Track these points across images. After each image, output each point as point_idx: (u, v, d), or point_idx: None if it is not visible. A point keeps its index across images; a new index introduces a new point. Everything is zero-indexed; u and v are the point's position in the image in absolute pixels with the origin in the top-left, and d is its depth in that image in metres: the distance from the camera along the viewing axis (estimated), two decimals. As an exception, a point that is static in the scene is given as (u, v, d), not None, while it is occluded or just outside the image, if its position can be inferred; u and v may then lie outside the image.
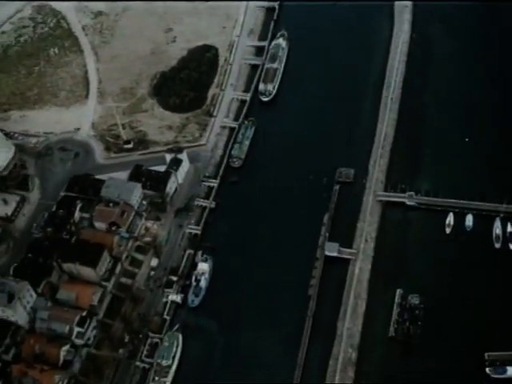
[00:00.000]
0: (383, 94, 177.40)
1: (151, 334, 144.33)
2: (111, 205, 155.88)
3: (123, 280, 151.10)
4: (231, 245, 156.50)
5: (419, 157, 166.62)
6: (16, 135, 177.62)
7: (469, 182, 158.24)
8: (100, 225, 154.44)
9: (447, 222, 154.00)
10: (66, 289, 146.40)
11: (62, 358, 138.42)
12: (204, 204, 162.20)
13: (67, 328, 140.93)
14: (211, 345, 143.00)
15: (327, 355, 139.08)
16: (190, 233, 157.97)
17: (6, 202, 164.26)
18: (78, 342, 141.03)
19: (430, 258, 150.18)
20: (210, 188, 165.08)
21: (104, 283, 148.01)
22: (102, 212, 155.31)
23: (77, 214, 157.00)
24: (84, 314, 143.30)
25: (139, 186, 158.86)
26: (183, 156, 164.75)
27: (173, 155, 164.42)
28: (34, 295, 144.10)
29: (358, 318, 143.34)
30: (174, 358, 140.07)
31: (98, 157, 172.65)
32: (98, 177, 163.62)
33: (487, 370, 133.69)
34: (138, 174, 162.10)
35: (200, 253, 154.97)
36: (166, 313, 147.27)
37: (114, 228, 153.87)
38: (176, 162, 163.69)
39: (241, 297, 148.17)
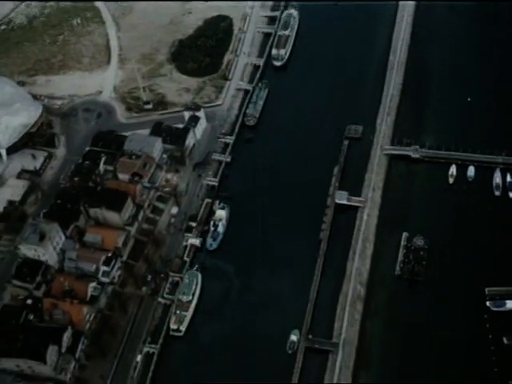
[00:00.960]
0: (390, 59, 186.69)
1: (172, 274, 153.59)
2: (134, 157, 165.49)
3: (145, 226, 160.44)
4: (246, 195, 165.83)
5: (423, 115, 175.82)
6: (42, 98, 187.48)
7: (470, 136, 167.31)
8: (123, 176, 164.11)
9: (450, 172, 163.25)
10: (92, 232, 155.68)
11: (89, 294, 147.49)
12: (220, 158, 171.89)
13: (94, 267, 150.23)
14: (228, 283, 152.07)
15: (337, 291, 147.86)
16: (208, 184, 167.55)
17: (34, 157, 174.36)
18: (104, 279, 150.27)
19: (433, 205, 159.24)
20: (226, 144, 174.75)
21: (127, 228, 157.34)
22: (125, 164, 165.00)
23: (101, 167, 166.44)
24: (109, 254, 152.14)
25: (160, 140, 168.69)
26: (201, 114, 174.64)
27: (191, 113, 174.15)
28: (63, 237, 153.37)
29: (366, 258, 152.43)
30: (193, 294, 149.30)
31: (120, 116, 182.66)
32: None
33: (487, 303, 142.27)
34: (159, 130, 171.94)
35: (217, 202, 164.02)
36: (185, 255, 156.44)
37: (136, 179, 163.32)
38: (194, 119, 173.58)
39: (256, 241, 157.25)
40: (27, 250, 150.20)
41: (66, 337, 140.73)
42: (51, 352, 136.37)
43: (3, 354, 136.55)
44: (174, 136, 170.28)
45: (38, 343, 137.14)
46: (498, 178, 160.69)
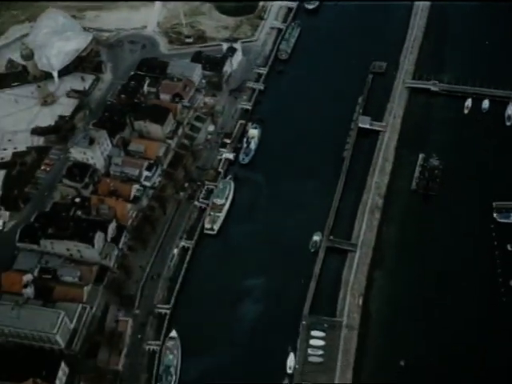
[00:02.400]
0: (414, 5, 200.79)
1: (207, 182, 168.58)
2: (175, 80, 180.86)
3: (184, 141, 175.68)
4: (277, 118, 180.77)
5: (443, 55, 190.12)
6: (91, 30, 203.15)
7: (486, 73, 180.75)
8: (165, 96, 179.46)
9: (466, 105, 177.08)
10: (136, 143, 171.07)
11: (132, 194, 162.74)
12: (254, 86, 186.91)
13: (137, 172, 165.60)
14: (258, 191, 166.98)
15: (357, 201, 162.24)
16: (242, 108, 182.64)
17: (83, 79, 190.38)
18: (146, 183, 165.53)
19: (449, 132, 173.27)
20: (260, 74, 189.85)
21: (168, 141, 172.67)
22: (167, 85, 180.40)
23: (145, 88, 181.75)
24: (151, 162, 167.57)
25: (200, 66, 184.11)
26: (237, 46, 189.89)
27: (229, 44, 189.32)
28: (110, 145, 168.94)
29: (385, 175, 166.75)
30: (226, 198, 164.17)
31: (163, 48, 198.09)
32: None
33: (494, 215, 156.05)
34: (199, 58, 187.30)
35: (250, 123, 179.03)
36: (220, 167, 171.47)
37: (177, 99, 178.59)
38: (231, 50, 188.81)
39: (284, 157, 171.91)
40: (77, 154, 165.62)
41: (111, 228, 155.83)
42: (98, 238, 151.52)
43: (56, 237, 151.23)
44: (212, 63, 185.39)
45: (86, 230, 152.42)
46: (510, 110, 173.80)
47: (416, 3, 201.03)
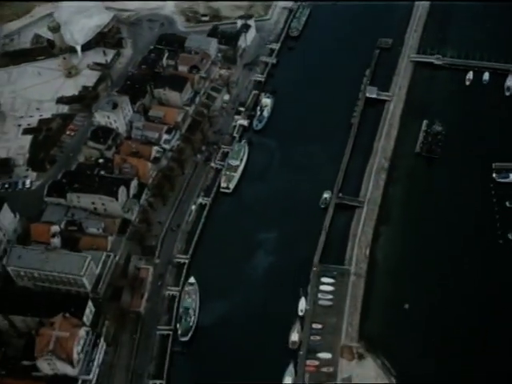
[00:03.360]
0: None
1: (223, 146, 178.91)
2: (192, 53, 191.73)
3: (201, 109, 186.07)
4: (289, 90, 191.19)
5: (446, 32, 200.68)
6: (112, 9, 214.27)
7: (486, 49, 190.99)
8: (183, 68, 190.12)
9: (467, 77, 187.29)
10: (156, 109, 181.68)
11: (152, 155, 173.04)
12: (267, 60, 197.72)
13: (157, 135, 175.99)
14: (271, 154, 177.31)
15: (365, 163, 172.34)
16: (256, 80, 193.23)
17: (105, 53, 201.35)
18: (165, 146, 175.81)
19: (451, 101, 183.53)
20: (272, 50, 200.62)
21: (186, 108, 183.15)
22: (185, 58, 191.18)
23: (164, 60, 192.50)
24: (170, 126, 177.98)
25: (215, 40, 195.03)
26: (251, 22, 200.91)
27: (243, 21, 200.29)
28: (131, 111, 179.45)
29: (391, 139, 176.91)
30: (241, 160, 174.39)
31: (180, 26, 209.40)
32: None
33: (494, 175, 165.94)
34: (215, 33, 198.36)
35: (263, 93, 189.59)
36: (235, 132, 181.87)
37: (194, 71, 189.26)
38: (246, 27, 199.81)
39: (295, 124, 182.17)
40: (101, 118, 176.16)
41: (133, 185, 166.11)
42: (121, 192, 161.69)
43: (82, 190, 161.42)
44: (227, 38, 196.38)
45: (110, 185, 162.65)
46: (509, 82, 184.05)
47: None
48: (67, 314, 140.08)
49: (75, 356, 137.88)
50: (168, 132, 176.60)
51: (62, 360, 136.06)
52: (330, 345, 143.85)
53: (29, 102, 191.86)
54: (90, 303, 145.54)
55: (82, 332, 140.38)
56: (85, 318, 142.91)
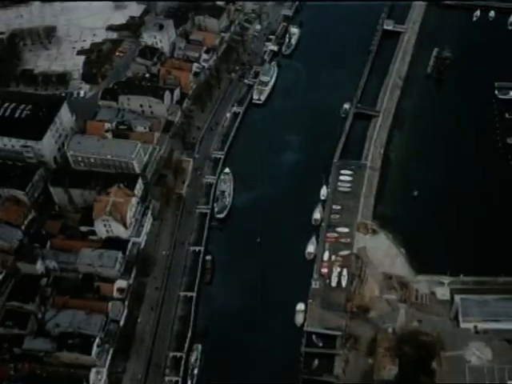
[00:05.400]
0: None
1: (255, 66, 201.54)
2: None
3: (235, 36, 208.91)
4: (314, 24, 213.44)
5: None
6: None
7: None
8: (220, 2, 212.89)
9: (475, 14, 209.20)
10: (196, 34, 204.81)
11: (193, 70, 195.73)
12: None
13: (197, 54, 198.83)
14: (298, 75, 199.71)
15: (381, 81, 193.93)
16: (285, 14, 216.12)
17: None
18: (204, 64, 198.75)
19: (460, 34, 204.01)
20: None
21: (222, 34, 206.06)
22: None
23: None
24: (209, 47, 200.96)
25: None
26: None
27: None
28: (175, 34, 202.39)
29: (405, 63, 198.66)
30: (271, 77, 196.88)
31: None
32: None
33: (496, 92, 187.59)
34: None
35: (291, 25, 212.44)
36: (265, 56, 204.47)
37: (230, 3, 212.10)
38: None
39: (320, 51, 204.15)
40: (148, 38, 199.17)
41: (176, 93, 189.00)
42: (166, 96, 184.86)
43: (133, 93, 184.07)
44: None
45: (157, 89, 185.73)
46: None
47: None
48: (121, 185, 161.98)
49: (128, 219, 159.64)
50: (207, 52, 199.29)
51: (117, 221, 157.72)
52: (348, 222, 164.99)
53: (82, 29, 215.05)
54: (139, 180, 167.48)
55: (134, 201, 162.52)
56: (136, 192, 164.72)
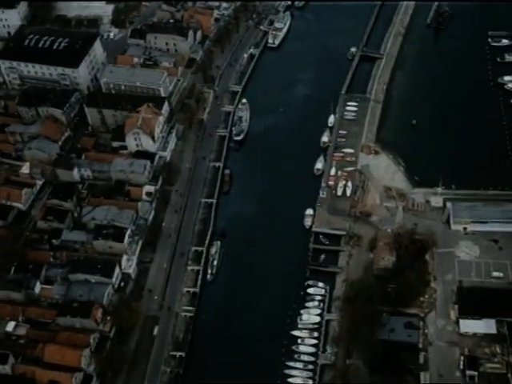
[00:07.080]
0: None
1: (270, 16, 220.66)
2: None
3: None
4: None
5: None
6: None
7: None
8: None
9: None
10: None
11: (214, 15, 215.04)
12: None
13: (217, 3, 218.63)
14: (309, 24, 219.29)
15: (385, 30, 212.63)
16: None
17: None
18: (224, 12, 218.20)
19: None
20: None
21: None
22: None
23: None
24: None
25: None
26: None
27: None
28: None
29: (407, 15, 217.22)
30: (285, 24, 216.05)
31: None
32: None
33: (489, 39, 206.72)
34: None
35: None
36: (279, 7, 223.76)
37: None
38: None
39: (330, 5, 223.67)
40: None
41: (199, 34, 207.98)
42: (190, 35, 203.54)
43: (159, 31, 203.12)
44: None
45: (182, 28, 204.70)
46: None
47: None
48: (150, 104, 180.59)
49: (156, 134, 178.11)
50: (226, 0, 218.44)
51: (146, 134, 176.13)
52: (353, 144, 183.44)
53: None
54: (166, 102, 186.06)
55: (161, 119, 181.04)
56: (163, 111, 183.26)
